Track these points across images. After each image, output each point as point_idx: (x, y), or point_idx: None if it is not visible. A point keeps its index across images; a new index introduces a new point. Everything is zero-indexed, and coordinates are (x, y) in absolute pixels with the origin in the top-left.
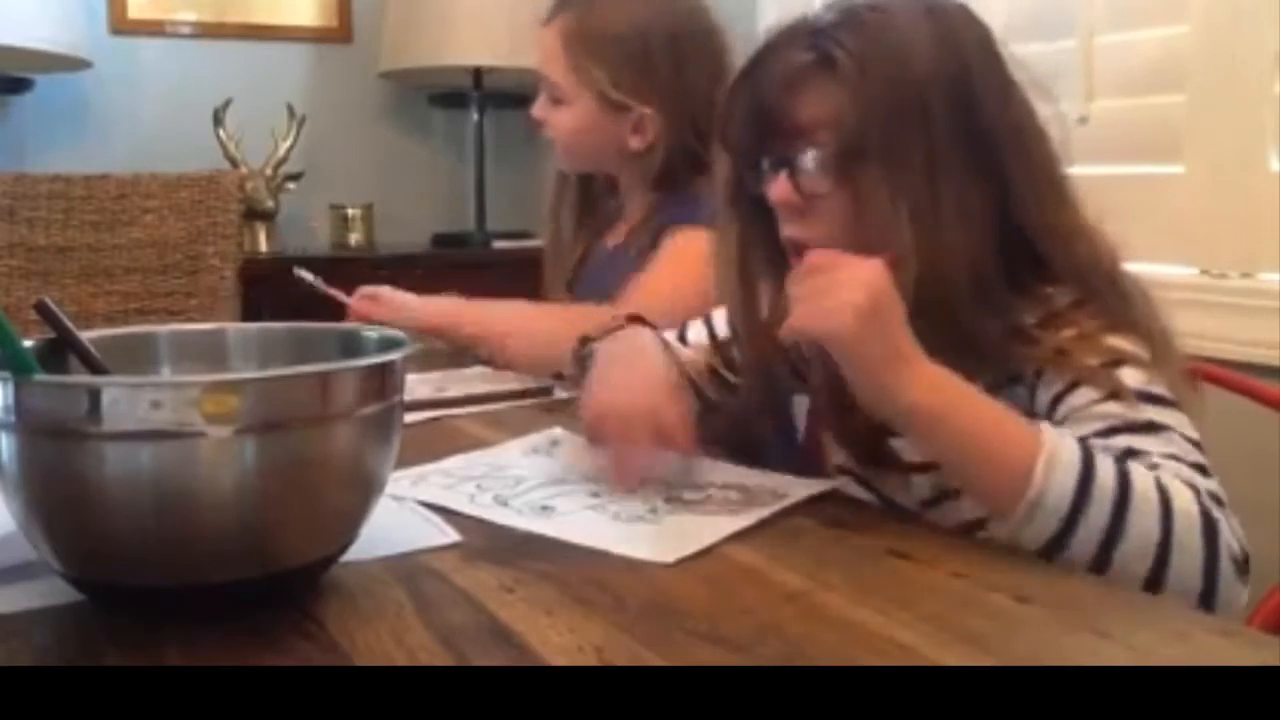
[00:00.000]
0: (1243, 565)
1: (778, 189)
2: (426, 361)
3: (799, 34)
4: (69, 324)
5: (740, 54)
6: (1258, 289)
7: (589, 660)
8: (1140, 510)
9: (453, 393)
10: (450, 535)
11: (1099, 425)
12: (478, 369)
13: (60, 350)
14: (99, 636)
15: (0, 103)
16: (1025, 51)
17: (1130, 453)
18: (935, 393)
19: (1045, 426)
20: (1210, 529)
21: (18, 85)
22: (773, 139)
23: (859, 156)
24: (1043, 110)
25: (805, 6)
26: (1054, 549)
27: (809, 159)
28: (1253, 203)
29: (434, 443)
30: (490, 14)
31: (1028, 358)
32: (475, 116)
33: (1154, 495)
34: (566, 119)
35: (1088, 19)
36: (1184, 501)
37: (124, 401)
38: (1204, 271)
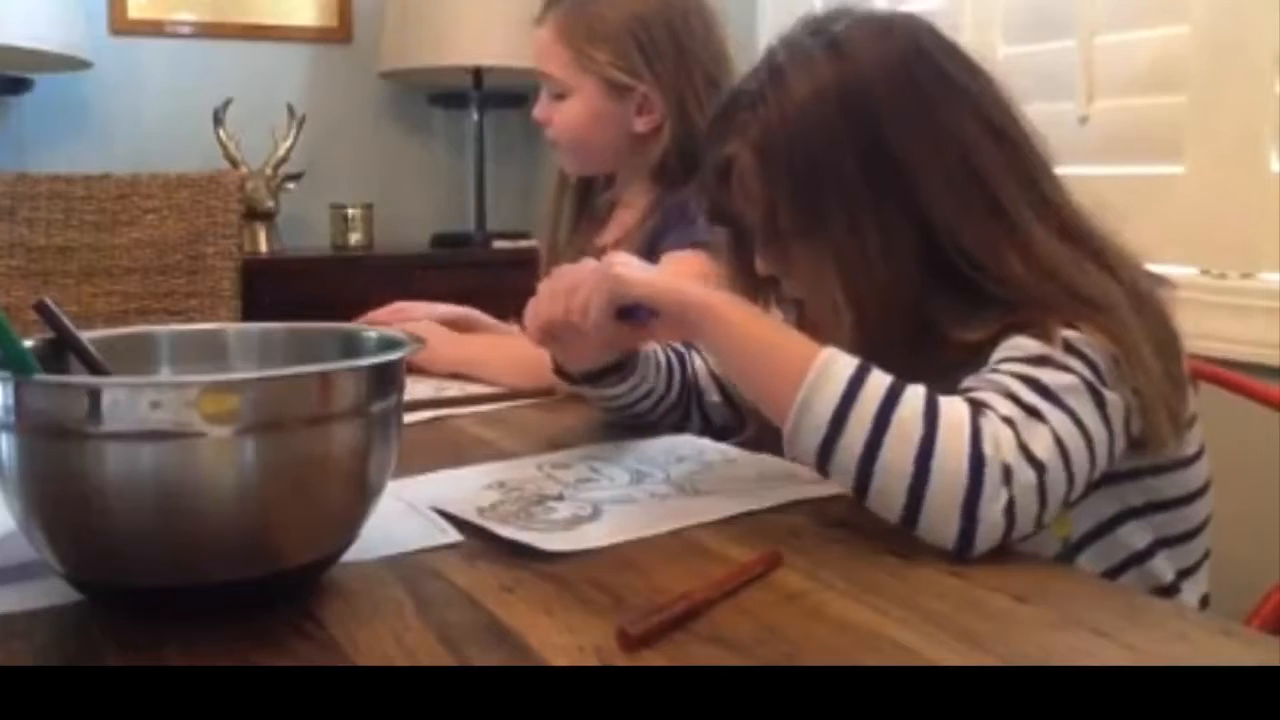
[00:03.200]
0: (1025, 467)
1: (756, 263)
2: None
3: (727, 116)
4: (69, 324)
5: (736, 50)
6: (1258, 289)
7: (589, 660)
8: (904, 412)
9: (453, 392)
10: (450, 535)
11: (998, 357)
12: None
13: (60, 350)
14: (99, 636)
15: (0, 103)
16: (1025, 52)
17: (994, 370)
18: (719, 296)
19: (832, 349)
20: (976, 434)
21: (18, 85)
22: (733, 221)
23: (780, 236)
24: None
25: (805, 7)
26: (822, 458)
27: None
28: (1253, 203)
29: (434, 443)
30: (490, 14)
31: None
32: (475, 116)
33: (919, 403)
34: (572, 111)
35: (1088, 19)
36: (954, 409)
37: (124, 402)
38: (1204, 271)
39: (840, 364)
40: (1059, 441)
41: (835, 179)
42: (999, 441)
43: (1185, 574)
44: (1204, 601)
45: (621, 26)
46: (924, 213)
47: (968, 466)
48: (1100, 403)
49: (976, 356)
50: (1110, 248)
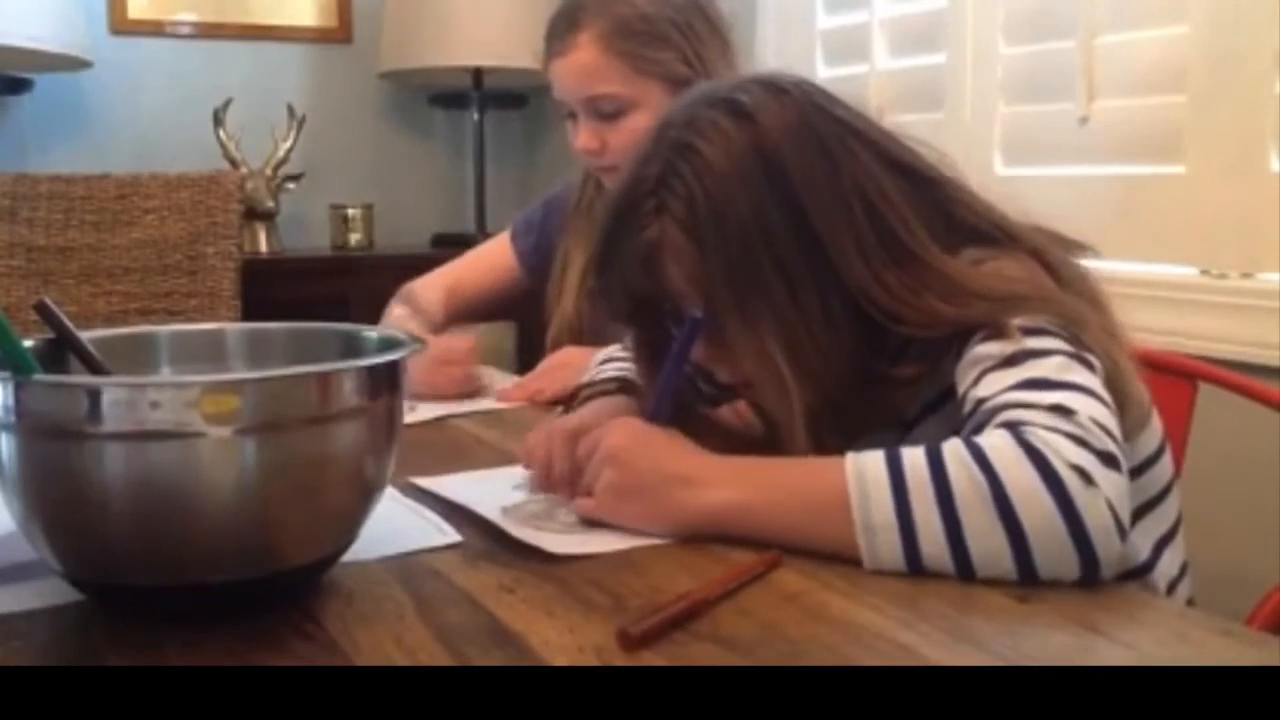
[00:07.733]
0: (1099, 465)
1: (695, 355)
2: None
3: (636, 204)
4: (69, 324)
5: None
6: (1258, 289)
7: (589, 660)
8: (957, 477)
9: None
10: (450, 535)
11: (972, 375)
12: (479, 369)
13: (60, 350)
14: (99, 636)
15: (0, 103)
16: (1025, 52)
17: (979, 401)
18: (726, 487)
19: (850, 456)
20: (1035, 455)
21: (18, 85)
22: (659, 313)
23: (718, 319)
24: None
25: (804, 9)
26: (914, 566)
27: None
28: (1253, 203)
29: (434, 443)
30: (490, 14)
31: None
32: (475, 116)
33: (967, 460)
34: (637, 126)
35: (1088, 19)
36: (998, 444)
37: (124, 402)
38: (1204, 271)
39: (870, 468)
40: (1096, 422)
41: (768, 245)
42: (1057, 449)
43: (1163, 543)
44: (1184, 569)
45: (665, 18)
46: (842, 272)
47: (1047, 492)
48: (1090, 366)
49: (924, 376)
50: (1020, 231)
